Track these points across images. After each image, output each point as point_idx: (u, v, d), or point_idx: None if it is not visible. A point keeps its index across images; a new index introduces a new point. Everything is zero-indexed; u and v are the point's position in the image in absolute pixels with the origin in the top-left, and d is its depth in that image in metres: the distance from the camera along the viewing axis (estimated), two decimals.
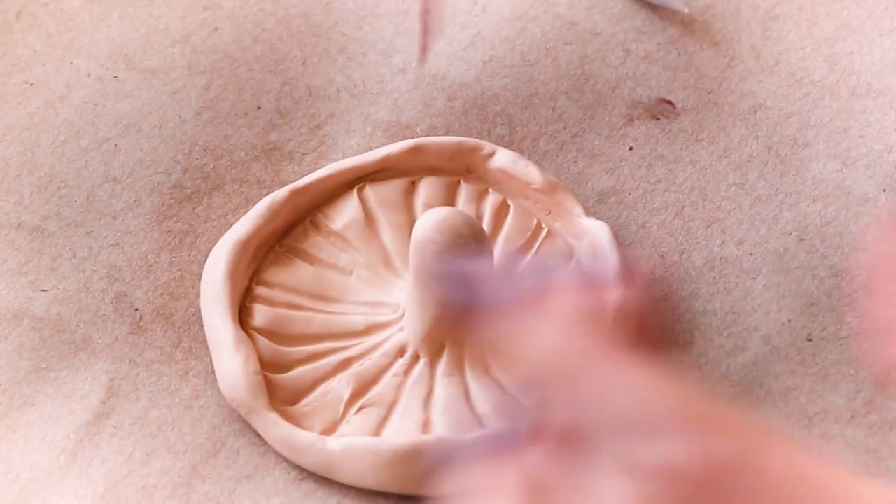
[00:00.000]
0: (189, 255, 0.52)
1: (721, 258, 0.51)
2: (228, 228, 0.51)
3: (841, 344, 0.49)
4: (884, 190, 0.53)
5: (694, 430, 0.36)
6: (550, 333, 0.36)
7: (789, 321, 0.49)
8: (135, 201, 0.53)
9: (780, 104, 0.56)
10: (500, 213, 0.51)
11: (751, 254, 0.51)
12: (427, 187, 0.51)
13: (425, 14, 0.43)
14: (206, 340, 0.48)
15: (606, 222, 0.50)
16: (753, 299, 0.50)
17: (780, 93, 0.56)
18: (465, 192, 0.51)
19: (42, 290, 0.51)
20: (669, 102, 0.56)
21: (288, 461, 0.46)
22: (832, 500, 0.36)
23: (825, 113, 0.55)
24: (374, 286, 0.50)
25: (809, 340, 0.49)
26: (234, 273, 0.49)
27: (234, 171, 0.54)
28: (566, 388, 0.35)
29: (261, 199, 0.51)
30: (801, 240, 0.52)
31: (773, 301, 0.50)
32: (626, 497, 0.35)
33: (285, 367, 0.47)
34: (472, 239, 0.46)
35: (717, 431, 0.40)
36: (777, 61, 0.57)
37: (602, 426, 0.35)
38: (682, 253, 0.52)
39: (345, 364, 0.47)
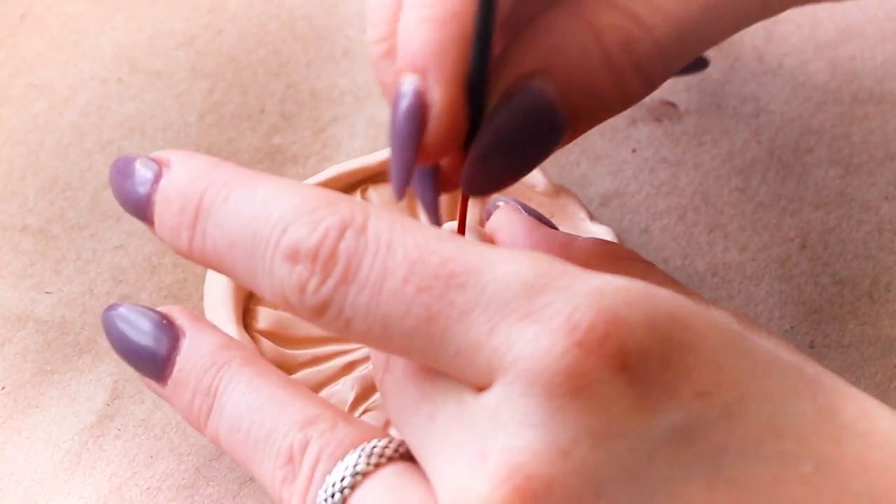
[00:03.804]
0: None
1: (724, 264, 0.51)
2: None
3: (843, 351, 0.49)
4: (886, 198, 0.53)
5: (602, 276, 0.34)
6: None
7: (792, 328, 0.49)
8: None
9: (783, 108, 0.56)
10: None
11: (753, 260, 0.51)
12: None
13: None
14: None
15: (610, 226, 0.50)
16: (756, 306, 0.50)
17: (783, 97, 0.56)
18: None
19: (46, 293, 0.51)
20: (672, 104, 0.56)
21: None
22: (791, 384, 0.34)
23: (827, 118, 0.55)
24: None
25: (812, 348, 0.49)
26: None
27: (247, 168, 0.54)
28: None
29: None
30: (804, 247, 0.52)
31: (776, 307, 0.50)
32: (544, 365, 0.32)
33: (289, 369, 0.47)
34: None
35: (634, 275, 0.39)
36: (780, 64, 0.57)
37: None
38: (685, 258, 0.52)
39: (349, 367, 0.47)
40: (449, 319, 0.33)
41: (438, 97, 0.38)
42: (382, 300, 0.33)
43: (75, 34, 0.59)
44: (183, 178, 0.37)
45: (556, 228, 0.45)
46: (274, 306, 0.48)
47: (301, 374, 0.47)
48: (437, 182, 0.41)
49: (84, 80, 0.57)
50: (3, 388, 0.48)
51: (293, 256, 0.34)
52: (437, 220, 0.42)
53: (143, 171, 0.38)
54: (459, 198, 0.43)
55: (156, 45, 0.59)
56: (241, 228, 0.35)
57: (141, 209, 0.38)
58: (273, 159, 0.55)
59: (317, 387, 0.47)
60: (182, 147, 0.55)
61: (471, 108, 0.39)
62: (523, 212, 0.45)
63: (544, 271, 0.33)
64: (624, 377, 0.32)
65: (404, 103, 0.38)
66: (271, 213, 0.35)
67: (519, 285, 0.33)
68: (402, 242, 0.34)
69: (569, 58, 0.39)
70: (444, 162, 0.41)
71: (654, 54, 0.40)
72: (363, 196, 0.51)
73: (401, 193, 0.39)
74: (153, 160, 0.38)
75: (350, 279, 0.34)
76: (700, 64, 0.48)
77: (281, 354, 0.47)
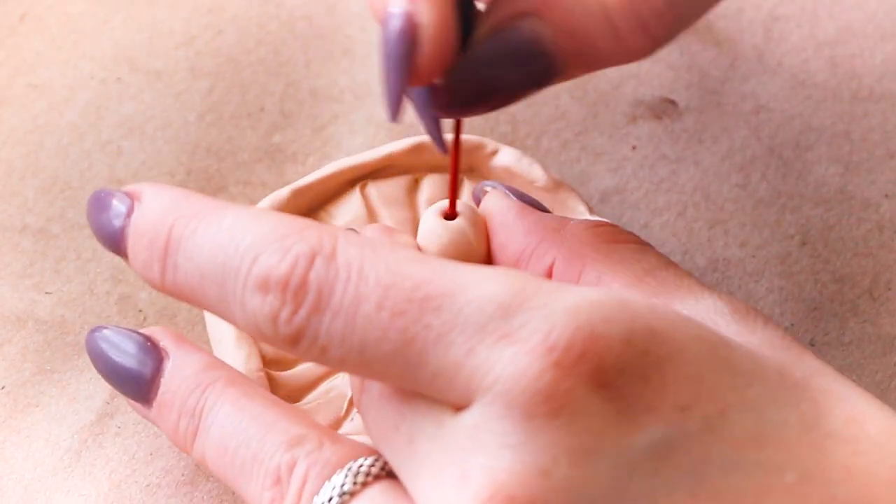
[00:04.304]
0: None
1: (724, 260, 0.51)
2: None
3: (844, 349, 0.49)
4: (886, 196, 0.53)
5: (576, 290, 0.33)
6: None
7: (792, 325, 0.49)
8: None
9: (783, 106, 0.56)
10: None
11: (753, 256, 0.51)
12: (430, 184, 0.51)
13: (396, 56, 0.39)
14: (209, 340, 0.48)
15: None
16: (756, 302, 0.50)
17: (783, 94, 0.56)
18: (467, 189, 0.51)
19: (46, 293, 0.51)
20: (672, 102, 0.56)
21: None
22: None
23: (827, 116, 0.55)
24: None
25: (812, 345, 0.49)
26: None
27: (237, 173, 0.54)
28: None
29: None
30: (804, 244, 0.52)
31: (776, 304, 0.50)
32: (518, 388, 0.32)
33: (288, 364, 0.47)
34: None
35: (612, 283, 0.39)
36: (779, 62, 0.57)
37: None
38: (686, 253, 0.52)
39: None
40: (426, 342, 0.33)
41: (429, 17, 0.37)
42: (357, 327, 0.33)
43: (75, 34, 0.59)
44: (153, 211, 0.37)
45: (548, 211, 0.45)
46: None
47: (299, 369, 0.47)
48: (434, 104, 0.40)
49: (84, 80, 0.57)
50: (3, 388, 0.48)
51: (263, 286, 0.34)
52: (441, 145, 0.41)
53: (117, 206, 0.38)
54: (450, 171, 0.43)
55: (155, 45, 0.59)
56: (210, 260, 0.35)
57: (114, 243, 0.38)
58: (273, 158, 0.55)
59: (315, 381, 0.47)
60: (182, 146, 0.55)
61: (462, 32, 0.38)
62: (512, 196, 0.45)
63: (519, 290, 0.33)
64: (603, 394, 0.32)
65: (394, 24, 0.37)
66: (240, 243, 0.35)
67: (494, 306, 0.33)
68: (374, 267, 0.34)
69: (567, 8, 0.38)
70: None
71: (664, 13, 0.39)
72: (362, 192, 0.51)
73: (395, 115, 0.38)
74: (126, 194, 0.38)
75: (323, 307, 0.34)
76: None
77: (279, 349, 0.47)
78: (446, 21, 0.37)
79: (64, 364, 0.49)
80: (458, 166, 0.44)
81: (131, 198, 0.38)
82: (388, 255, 0.34)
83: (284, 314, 0.34)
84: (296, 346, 0.34)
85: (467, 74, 0.39)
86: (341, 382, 0.46)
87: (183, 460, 0.46)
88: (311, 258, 0.34)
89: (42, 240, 0.52)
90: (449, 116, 0.40)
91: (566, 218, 0.43)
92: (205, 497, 0.45)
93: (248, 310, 0.34)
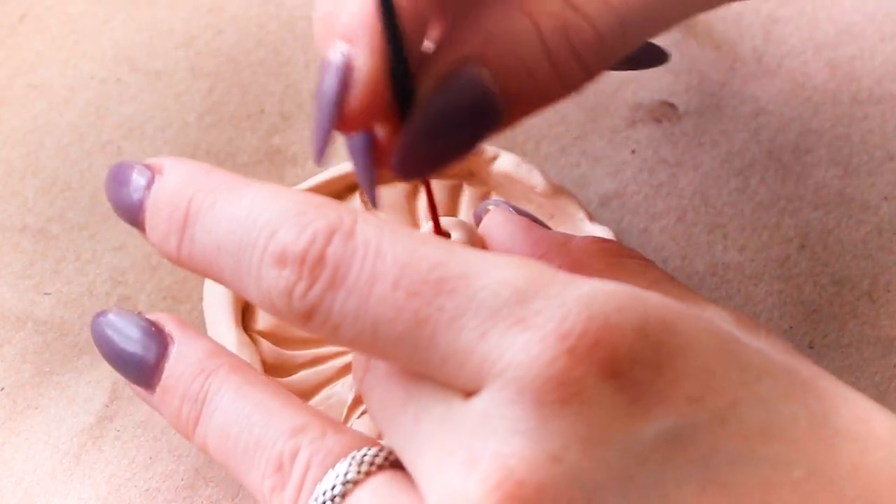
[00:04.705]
0: None
1: (723, 264, 0.51)
2: None
3: (843, 351, 0.49)
4: (885, 198, 0.53)
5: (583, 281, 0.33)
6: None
7: (791, 328, 0.49)
8: None
9: (782, 109, 0.56)
10: None
11: (752, 260, 0.51)
12: None
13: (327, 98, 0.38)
14: None
15: (609, 226, 0.50)
16: (755, 305, 0.50)
17: (782, 97, 0.56)
18: (467, 195, 0.51)
19: (46, 294, 0.51)
20: (671, 105, 0.56)
21: None
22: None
23: (826, 118, 0.55)
24: None
25: (811, 348, 0.49)
26: None
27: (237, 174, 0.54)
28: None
29: None
30: (803, 247, 0.52)
31: (775, 307, 0.50)
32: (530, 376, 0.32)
33: (289, 370, 0.47)
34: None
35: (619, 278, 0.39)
36: (779, 65, 0.57)
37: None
38: (685, 258, 0.52)
39: (347, 368, 0.47)
40: (438, 325, 0.33)
41: (363, 64, 0.37)
42: (371, 305, 0.33)
43: (75, 34, 0.59)
44: (172, 184, 0.37)
45: (549, 229, 0.45)
46: None
47: (300, 375, 0.47)
48: (372, 157, 0.40)
49: (84, 80, 0.57)
50: (2, 389, 0.48)
51: (280, 260, 0.34)
52: (373, 197, 0.41)
53: (137, 178, 0.38)
54: (425, 188, 0.43)
55: (155, 45, 0.59)
56: (228, 233, 0.35)
57: (132, 215, 0.38)
58: (272, 160, 0.55)
59: (316, 387, 0.47)
60: (181, 147, 0.55)
61: (399, 83, 0.38)
62: (515, 213, 0.45)
63: (535, 277, 0.33)
64: (615, 383, 0.32)
65: (330, 68, 0.37)
66: (258, 218, 0.35)
67: (510, 292, 0.33)
68: (391, 247, 0.34)
69: (506, 45, 0.38)
70: (382, 137, 0.40)
71: (594, 43, 0.39)
72: (362, 198, 0.51)
73: (319, 158, 0.38)
74: (147, 167, 0.38)
75: (338, 284, 0.34)
76: (658, 57, 0.47)
77: (280, 355, 0.47)
78: (379, 69, 0.37)
79: (63, 366, 0.49)
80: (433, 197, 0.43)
81: (151, 170, 0.38)
82: (405, 237, 0.34)
83: (300, 289, 0.34)
84: (309, 321, 0.34)
85: (422, 137, 0.38)
86: (341, 389, 0.46)
87: (182, 465, 0.46)
88: (329, 234, 0.34)
89: (42, 240, 0.52)
90: (404, 181, 0.40)
91: (570, 234, 0.43)
92: (204, 502, 0.45)
93: (264, 284, 0.34)
